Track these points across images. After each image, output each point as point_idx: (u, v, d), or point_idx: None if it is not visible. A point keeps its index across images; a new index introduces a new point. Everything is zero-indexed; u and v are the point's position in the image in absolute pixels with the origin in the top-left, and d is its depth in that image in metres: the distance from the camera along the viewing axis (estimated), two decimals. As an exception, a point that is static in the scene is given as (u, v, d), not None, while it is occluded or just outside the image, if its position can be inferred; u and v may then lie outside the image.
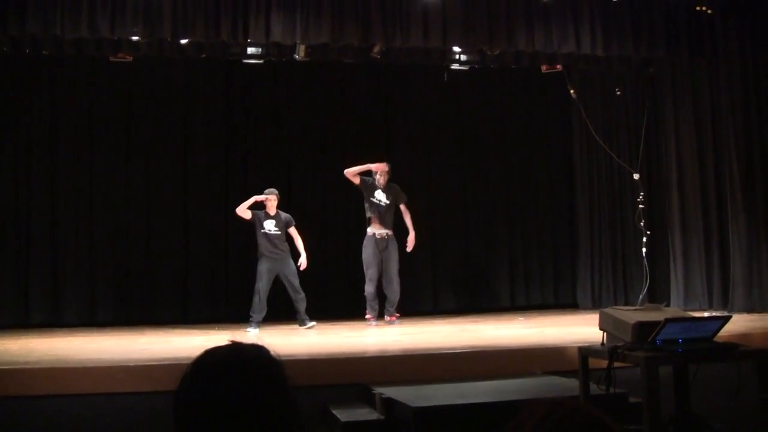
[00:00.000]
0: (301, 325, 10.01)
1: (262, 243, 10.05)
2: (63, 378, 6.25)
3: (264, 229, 10.04)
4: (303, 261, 10.18)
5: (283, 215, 10.20)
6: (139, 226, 11.74)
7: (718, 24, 10.60)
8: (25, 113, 11.49)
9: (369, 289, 10.41)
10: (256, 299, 9.95)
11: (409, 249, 10.62)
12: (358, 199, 10.73)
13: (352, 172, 10.46)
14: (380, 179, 10.51)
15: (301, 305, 10.03)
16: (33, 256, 11.30)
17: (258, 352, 1.82)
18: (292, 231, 10.22)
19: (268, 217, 10.09)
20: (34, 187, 11.41)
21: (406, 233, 10.65)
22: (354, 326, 10.18)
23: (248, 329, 9.72)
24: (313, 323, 9.99)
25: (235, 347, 1.81)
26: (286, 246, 10.14)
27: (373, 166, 10.51)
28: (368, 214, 10.49)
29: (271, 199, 10.12)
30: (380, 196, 10.48)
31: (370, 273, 10.41)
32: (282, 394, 1.78)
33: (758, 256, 10.30)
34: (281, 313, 10.40)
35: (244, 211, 10.08)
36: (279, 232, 10.08)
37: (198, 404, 1.72)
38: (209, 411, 1.71)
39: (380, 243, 10.43)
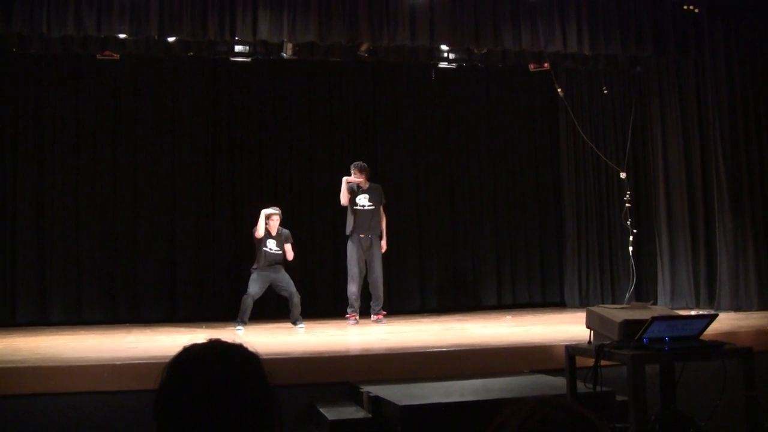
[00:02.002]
0: (293, 323, 9.99)
1: (261, 258, 10.04)
2: (49, 377, 6.22)
3: (266, 247, 10.05)
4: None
5: (283, 233, 10.16)
6: (126, 224, 11.71)
7: (704, 23, 10.63)
8: (11, 111, 11.44)
9: (352, 288, 10.40)
10: (246, 300, 9.90)
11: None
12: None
13: (344, 200, 10.48)
14: (361, 183, 10.50)
15: (296, 309, 10.00)
16: (19, 255, 11.26)
17: (235, 347, 1.85)
18: (287, 247, 10.19)
19: (269, 236, 10.09)
20: (20, 186, 11.36)
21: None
22: (341, 325, 10.18)
23: (237, 328, 9.70)
24: (303, 326, 9.96)
25: (213, 343, 1.85)
26: (281, 261, 10.17)
27: (351, 179, 10.48)
28: (352, 217, 10.48)
29: (274, 219, 10.11)
30: (363, 201, 10.47)
31: (353, 272, 10.40)
32: (260, 386, 1.80)
33: (744, 255, 10.34)
34: (269, 312, 10.38)
35: (260, 233, 10.06)
36: (279, 251, 10.10)
37: (177, 399, 1.74)
38: (189, 405, 1.72)
39: (364, 242, 10.43)
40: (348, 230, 10.50)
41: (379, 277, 10.45)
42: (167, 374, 1.79)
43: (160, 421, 1.75)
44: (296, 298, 9.97)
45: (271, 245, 10.06)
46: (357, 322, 10.29)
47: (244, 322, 9.80)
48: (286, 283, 10.02)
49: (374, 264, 10.45)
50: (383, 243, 10.58)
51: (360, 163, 10.61)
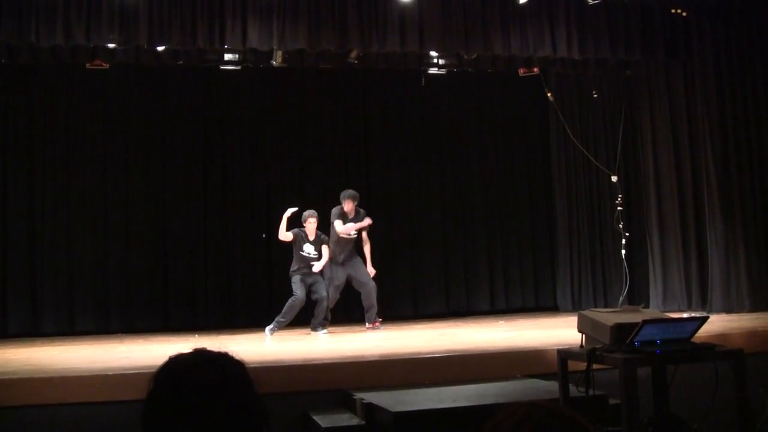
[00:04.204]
0: (314, 329, 10.08)
1: (299, 262, 10.14)
2: (41, 388, 6.20)
3: (303, 252, 10.13)
4: (318, 266, 10.18)
5: (321, 237, 10.25)
6: (118, 234, 11.68)
7: (692, 26, 10.68)
8: (1, 122, 11.40)
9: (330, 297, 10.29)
10: (294, 303, 9.95)
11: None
12: (335, 204, 10.61)
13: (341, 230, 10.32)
14: (349, 212, 10.39)
15: (321, 314, 10.10)
16: (10, 266, 11.22)
17: (221, 355, 1.87)
18: (324, 249, 10.24)
19: (306, 240, 10.16)
20: (10, 196, 11.33)
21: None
22: (334, 332, 10.16)
23: (267, 329, 9.85)
24: (325, 331, 10.07)
25: (199, 352, 1.86)
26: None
27: (360, 226, 10.35)
28: (335, 240, 10.32)
29: (311, 222, 10.16)
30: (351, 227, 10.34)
31: (331, 282, 10.31)
32: (247, 394, 1.81)
33: (735, 257, 10.37)
34: (263, 320, 10.35)
35: (284, 235, 10.12)
36: (316, 255, 10.19)
37: (164, 408, 1.75)
38: (176, 414, 1.73)
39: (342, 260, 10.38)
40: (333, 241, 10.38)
41: (367, 285, 10.32)
42: (154, 384, 1.80)
43: (147, 430, 1.76)
44: (325, 303, 10.05)
45: (309, 249, 10.14)
46: (327, 331, 10.18)
47: (280, 324, 9.88)
48: (320, 287, 10.10)
49: (360, 272, 10.34)
50: (369, 266, 10.46)
51: (353, 192, 10.43)
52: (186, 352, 1.86)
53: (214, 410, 1.73)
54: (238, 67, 10.70)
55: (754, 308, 10.14)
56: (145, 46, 9.58)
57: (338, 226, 10.23)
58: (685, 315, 9.48)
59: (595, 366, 4.73)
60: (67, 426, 5.97)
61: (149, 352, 8.67)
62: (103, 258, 11.58)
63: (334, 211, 10.33)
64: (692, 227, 10.94)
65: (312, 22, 9.53)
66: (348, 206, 10.34)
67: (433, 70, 11.53)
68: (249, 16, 9.35)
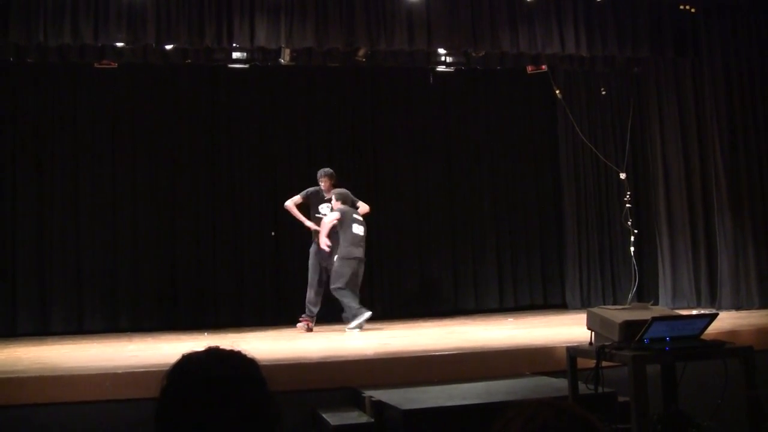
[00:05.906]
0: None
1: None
2: (51, 386, 6.21)
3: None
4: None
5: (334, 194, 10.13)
6: (126, 232, 11.70)
7: (701, 23, 10.66)
8: (9, 121, 11.44)
9: (309, 294, 10.15)
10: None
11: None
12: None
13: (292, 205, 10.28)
14: (326, 190, 10.32)
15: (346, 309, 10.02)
16: (19, 265, 11.24)
17: (233, 353, 1.88)
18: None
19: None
20: (19, 195, 11.36)
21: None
22: (342, 330, 10.15)
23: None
24: (351, 327, 9.89)
25: (211, 350, 1.88)
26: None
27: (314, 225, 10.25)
28: (315, 224, 10.25)
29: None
30: (325, 210, 10.24)
31: (312, 279, 10.14)
32: (259, 392, 1.83)
33: (744, 254, 10.35)
34: (269, 318, 10.36)
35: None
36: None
37: (177, 406, 1.76)
38: (188, 412, 1.75)
39: (322, 251, 10.08)
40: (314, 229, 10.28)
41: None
42: (167, 381, 1.82)
43: (160, 428, 1.77)
44: (335, 294, 9.91)
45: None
46: (311, 330, 10.09)
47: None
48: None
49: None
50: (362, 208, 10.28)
51: (328, 170, 10.41)
52: (199, 350, 1.87)
53: (227, 408, 1.75)
54: (246, 66, 10.71)
55: (763, 305, 10.13)
56: (153, 45, 9.60)
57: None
58: (694, 312, 9.45)
59: (604, 363, 4.72)
60: (76, 425, 5.98)
61: (158, 350, 8.68)
62: (111, 257, 11.60)
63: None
64: (701, 224, 10.91)
65: (320, 20, 9.54)
66: (324, 184, 10.29)
67: (441, 68, 11.52)
68: (257, 15, 9.36)
